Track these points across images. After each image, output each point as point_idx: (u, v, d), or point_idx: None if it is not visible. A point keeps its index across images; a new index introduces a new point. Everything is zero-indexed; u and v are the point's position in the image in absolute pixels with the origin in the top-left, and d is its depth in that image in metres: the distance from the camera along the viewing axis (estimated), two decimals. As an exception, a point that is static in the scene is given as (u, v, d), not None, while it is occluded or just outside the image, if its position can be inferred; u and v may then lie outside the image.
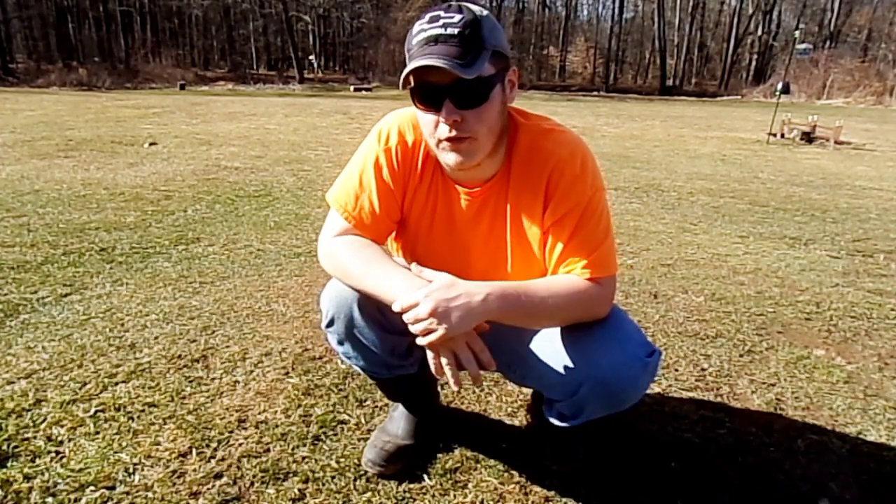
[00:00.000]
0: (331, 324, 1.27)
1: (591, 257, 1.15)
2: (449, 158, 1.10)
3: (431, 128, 1.08)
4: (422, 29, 1.04)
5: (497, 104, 1.08)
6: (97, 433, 1.52)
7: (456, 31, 1.01)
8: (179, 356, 1.94)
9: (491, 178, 1.19)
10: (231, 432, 1.55)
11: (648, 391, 1.69)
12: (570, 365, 1.17)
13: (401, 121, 1.22)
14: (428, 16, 1.05)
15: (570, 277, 1.15)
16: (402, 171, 1.22)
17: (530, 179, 1.16)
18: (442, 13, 1.03)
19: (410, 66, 1.01)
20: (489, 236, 1.23)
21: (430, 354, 1.08)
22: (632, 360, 1.13)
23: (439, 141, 1.09)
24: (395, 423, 1.52)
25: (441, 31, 1.01)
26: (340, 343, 1.31)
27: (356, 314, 1.23)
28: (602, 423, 1.24)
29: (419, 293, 1.04)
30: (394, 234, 1.34)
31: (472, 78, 1.00)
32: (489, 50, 1.03)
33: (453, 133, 1.06)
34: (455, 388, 1.10)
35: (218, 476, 1.39)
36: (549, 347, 1.21)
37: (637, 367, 1.13)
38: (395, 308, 1.06)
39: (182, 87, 22.38)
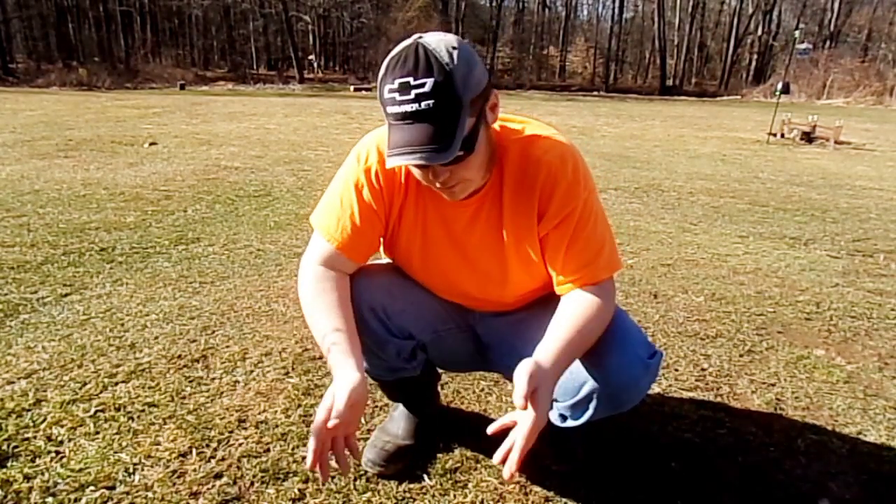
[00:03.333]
0: None
1: (593, 264, 1.16)
2: (444, 195, 1.12)
3: (423, 178, 1.09)
4: (393, 99, 0.97)
5: (482, 144, 1.06)
6: (97, 433, 1.52)
7: (430, 104, 0.94)
8: (179, 356, 1.94)
9: (482, 187, 1.18)
10: (231, 432, 1.55)
11: (649, 391, 1.69)
12: (572, 366, 1.17)
13: (379, 140, 1.20)
14: (397, 82, 0.96)
15: (587, 303, 1.14)
16: (385, 189, 1.20)
17: (524, 187, 1.16)
18: (411, 80, 0.94)
19: (390, 161, 0.98)
20: (484, 243, 1.22)
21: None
22: (633, 361, 1.13)
23: (430, 185, 1.10)
24: (396, 423, 1.52)
25: (415, 106, 0.95)
26: None
27: (359, 318, 1.23)
28: (602, 422, 1.24)
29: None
30: (381, 249, 1.33)
31: (454, 157, 0.97)
32: (466, 106, 0.97)
33: (443, 184, 1.07)
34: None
35: (218, 476, 1.39)
36: None
37: (639, 369, 1.13)
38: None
39: (182, 87, 22.37)
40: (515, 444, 0.97)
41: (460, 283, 1.29)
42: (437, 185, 1.07)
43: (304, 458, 1.46)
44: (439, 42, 0.98)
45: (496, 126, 1.15)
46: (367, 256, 1.27)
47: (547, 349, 1.07)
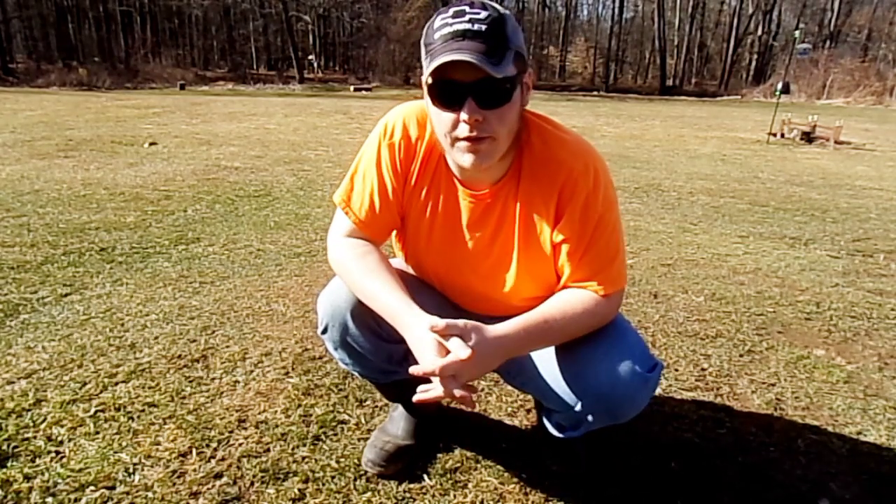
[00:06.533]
0: (325, 331, 1.28)
1: (602, 276, 1.14)
2: (465, 160, 1.06)
3: (449, 126, 1.04)
4: (445, 23, 0.99)
5: (517, 106, 1.05)
6: (97, 433, 1.52)
7: (483, 27, 0.97)
8: (179, 356, 1.94)
9: (499, 180, 1.16)
10: (231, 432, 1.55)
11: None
12: (570, 379, 1.15)
13: (406, 115, 1.20)
14: (452, 10, 1.00)
15: (580, 297, 1.14)
16: (404, 167, 1.20)
17: (542, 187, 1.14)
18: (467, 9, 0.99)
19: (439, 59, 0.97)
20: (495, 239, 1.21)
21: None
22: (631, 375, 1.11)
23: (455, 140, 1.04)
24: (395, 423, 1.52)
25: (468, 26, 0.97)
26: (336, 349, 1.31)
27: (350, 323, 1.23)
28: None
29: (446, 367, 1.00)
30: (395, 233, 1.33)
31: (501, 77, 0.97)
32: (513, 50, 1.00)
33: (473, 133, 1.02)
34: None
35: (218, 476, 1.39)
36: (549, 359, 1.20)
37: (637, 383, 1.11)
38: (417, 373, 1.04)
39: (182, 87, 22.38)
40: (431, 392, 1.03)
41: (464, 274, 1.27)
42: (463, 133, 1.02)
43: (304, 457, 1.46)
44: (495, 3, 1.04)
45: (525, 117, 1.14)
46: (387, 235, 1.29)
47: (512, 322, 1.09)
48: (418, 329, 1.06)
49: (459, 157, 1.07)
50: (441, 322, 1.02)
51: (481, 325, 1.05)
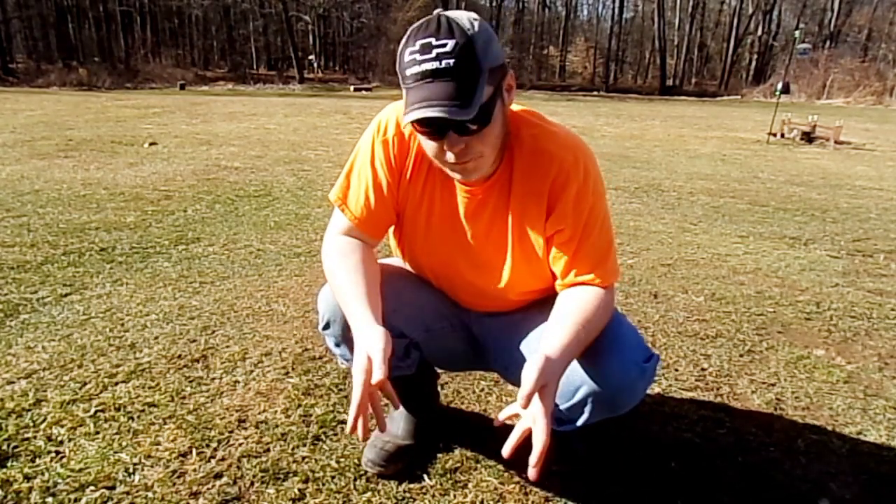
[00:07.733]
0: (326, 327, 1.28)
1: (601, 268, 1.16)
2: (456, 176, 1.12)
3: (436, 152, 1.07)
4: (414, 60, 0.97)
5: (499, 118, 1.05)
6: (97, 433, 1.52)
7: (451, 62, 0.95)
8: (179, 356, 1.94)
9: (491, 175, 1.17)
10: (231, 432, 1.55)
11: (648, 391, 1.69)
12: (568, 370, 1.16)
13: (399, 111, 1.20)
14: (419, 43, 0.97)
15: (590, 295, 1.14)
16: (399, 163, 1.21)
17: (534, 181, 1.15)
18: (433, 41, 0.96)
19: (412, 115, 0.97)
20: (489, 233, 1.22)
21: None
22: (628, 365, 1.12)
23: (444, 163, 1.08)
24: (395, 423, 1.52)
25: (436, 65, 0.95)
26: (337, 345, 1.31)
27: None
28: (602, 422, 1.24)
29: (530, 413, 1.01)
30: (392, 231, 1.34)
31: (476, 113, 0.97)
32: (485, 71, 0.98)
33: (460, 158, 1.05)
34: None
35: (218, 476, 1.39)
36: None
37: (634, 373, 1.13)
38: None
39: (182, 87, 22.38)
40: (536, 442, 0.98)
41: (461, 270, 1.28)
42: (451, 159, 1.05)
43: (304, 457, 1.46)
44: (460, 13, 1.01)
45: (514, 107, 1.15)
46: (384, 231, 1.29)
47: (554, 341, 1.07)
48: (365, 343, 1.05)
49: (450, 173, 1.12)
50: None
51: (538, 356, 1.03)
